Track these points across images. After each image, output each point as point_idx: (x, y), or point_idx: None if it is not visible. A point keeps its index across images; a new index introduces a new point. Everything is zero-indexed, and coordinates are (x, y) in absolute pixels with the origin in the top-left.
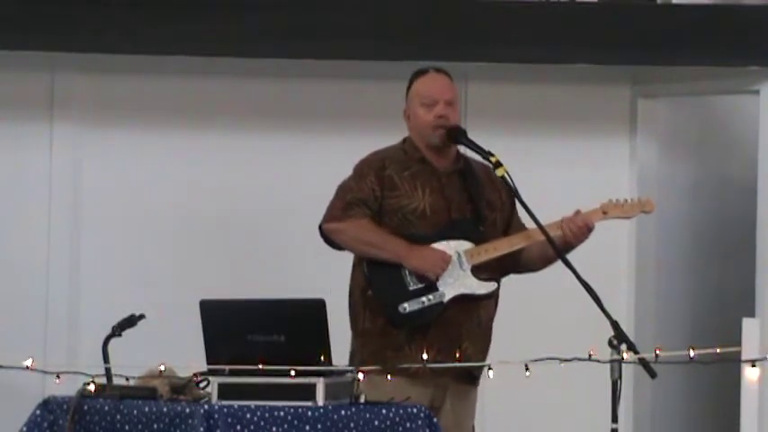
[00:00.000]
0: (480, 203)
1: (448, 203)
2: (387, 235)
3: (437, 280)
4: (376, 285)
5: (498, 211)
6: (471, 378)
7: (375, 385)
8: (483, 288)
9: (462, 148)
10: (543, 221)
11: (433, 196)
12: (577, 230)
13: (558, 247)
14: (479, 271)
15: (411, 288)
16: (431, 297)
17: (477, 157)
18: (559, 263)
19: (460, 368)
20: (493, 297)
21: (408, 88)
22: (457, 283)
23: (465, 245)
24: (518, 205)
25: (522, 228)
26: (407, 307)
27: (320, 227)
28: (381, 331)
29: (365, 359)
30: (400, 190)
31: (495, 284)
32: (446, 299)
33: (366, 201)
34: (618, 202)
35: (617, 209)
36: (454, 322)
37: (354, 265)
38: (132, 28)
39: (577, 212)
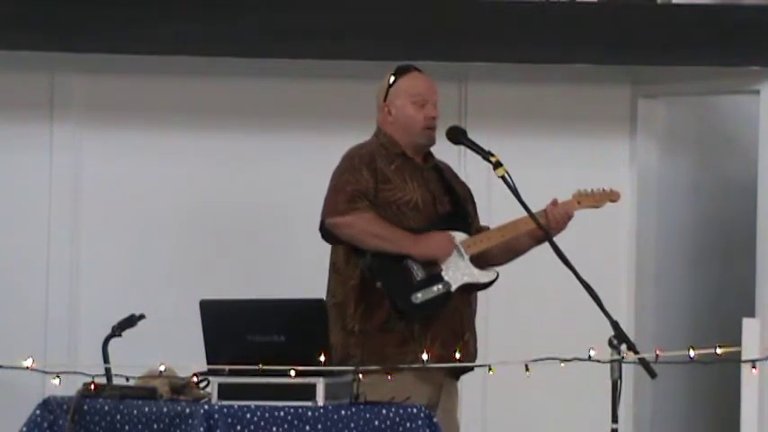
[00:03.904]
0: (459, 198)
1: (433, 197)
2: (393, 227)
3: (443, 264)
4: (384, 278)
5: (470, 206)
6: (458, 373)
7: (376, 384)
8: (485, 277)
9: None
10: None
11: (421, 189)
12: (560, 219)
13: (552, 239)
14: (475, 261)
15: (419, 278)
16: (440, 286)
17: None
18: (558, 262)
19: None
20: (492, 286)
21: (391, 83)
22: (459, 272)
23: (461, 236)
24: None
25: (481, 228)
26: (421, 296)
27: (322, 221)
28: (381, 328)
29: (365, 359)
30: (392, 183)
31: (496, 273)
32: (453, 288)
33: (367, 194)
34: (588, 192)
35: (588, 198)
36: (456, 313)
37: (336, 265)
38: (132, 28)
39: (555, 201)
